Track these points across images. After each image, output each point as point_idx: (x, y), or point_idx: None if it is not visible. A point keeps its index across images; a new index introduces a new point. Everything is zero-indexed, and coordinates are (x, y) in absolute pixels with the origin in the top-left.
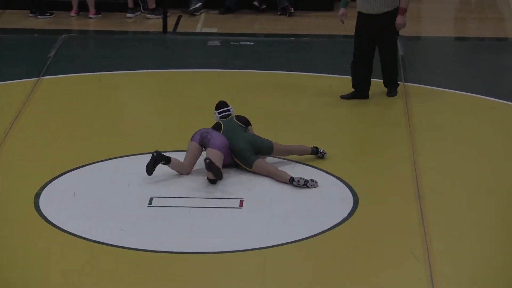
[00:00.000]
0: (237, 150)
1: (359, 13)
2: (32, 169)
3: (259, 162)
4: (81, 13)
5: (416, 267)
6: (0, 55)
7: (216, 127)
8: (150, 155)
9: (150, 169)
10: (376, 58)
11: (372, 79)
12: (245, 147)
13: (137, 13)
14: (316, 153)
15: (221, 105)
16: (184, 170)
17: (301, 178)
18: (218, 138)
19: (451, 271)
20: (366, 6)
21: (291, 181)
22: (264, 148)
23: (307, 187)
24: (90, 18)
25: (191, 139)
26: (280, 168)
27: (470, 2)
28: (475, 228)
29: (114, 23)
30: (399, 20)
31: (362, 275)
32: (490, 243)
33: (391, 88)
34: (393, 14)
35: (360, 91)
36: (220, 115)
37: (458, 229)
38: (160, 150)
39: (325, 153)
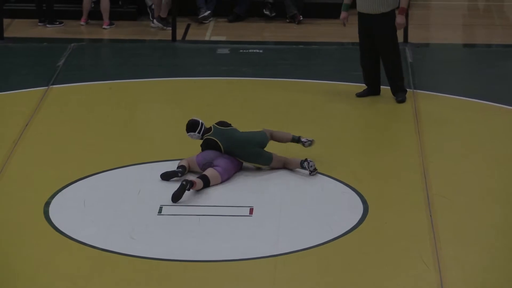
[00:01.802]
0: (252, 155)
1: (359, 13)
2: (42, 178)
3: (274, 157)
4: (89, 21)
5: (426, 273)
6: (9, 64)
7: (212, 145)
8: (162, 166)
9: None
10: None
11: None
12: (257, 150)
13: (166, 27)
14: (303, 166)
15: (194, 124)
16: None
17: (311, 161)
18: (222, 162)
19: (461, 277)
20: (363, 6)
21: (302, 164)
22: (261, 138)
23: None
24: (104, 29)
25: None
26: (288, 176)
27: (478, 8)
28: (484, 234)
29: (123, 32)
30: (399, 19)
31: (372, 282)
32: (499, 249)
33: (399, 94)
34: (390, 14)
35: (372, 88)
36: (202, 133)
37: (467, 235)
38: (178, 169)
39: (308, 142)
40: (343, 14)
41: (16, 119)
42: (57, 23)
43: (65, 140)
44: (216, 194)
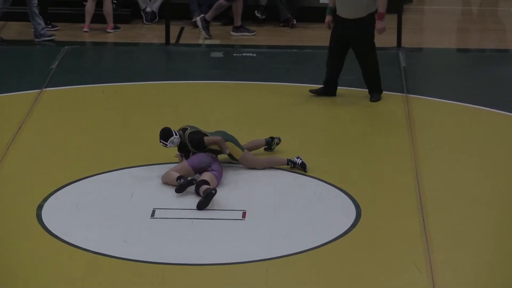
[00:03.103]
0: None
1: (337, 16)
2: (35, 181)
3: (246, 153)
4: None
5: (418, 278)
6: (2, 67)
7: (199, 140)
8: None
9: (182, 189)
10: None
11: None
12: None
13: (244, 33)
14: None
15: (168, 132)
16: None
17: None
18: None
19: (453, 280)
20: (343, 10)
21: (289, 162)
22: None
23: (303, 164)
24: (108, 32)
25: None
26: (282, 179)
27: (472, 13)
28: (476, 238)
29: (116, 35)
30: (378, 25)
31: (365, 286)
32: (491, 253)
33: (375, 94)
34: (367, 19)
35: (328, 87)
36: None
37: (460, 239)
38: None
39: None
40: (327, 18)
41: (9, 122)
42: (50, 27)
43: (58, 143)
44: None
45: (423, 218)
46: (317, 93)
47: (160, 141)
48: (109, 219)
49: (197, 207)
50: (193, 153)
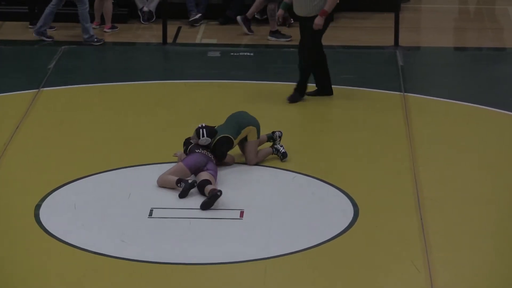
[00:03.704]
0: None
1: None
2: (32, 181)
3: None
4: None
5: (416, 277)
6: None
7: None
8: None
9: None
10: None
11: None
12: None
13: (280, 39)
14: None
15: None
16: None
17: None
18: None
19: (451, 280)
20: (296, 9)
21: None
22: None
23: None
24: (106, 32)
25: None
26: (279, 179)
27: (469, 12)
28: (475, 238)
29: (113, 34)
30: (317, 20)
31: (363, 285)
32: (490, 252)
33: (293, 94)
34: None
35: (321, 88)
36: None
37: (458, 239)
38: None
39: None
40: (279, 12)
41: (6, 122)
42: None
43: (55, 142)
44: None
45: (421, 217)
46: (311, 94)
47: (202, 131)
48: (107, 219)
49: (201, 207)
50: (190, 152)
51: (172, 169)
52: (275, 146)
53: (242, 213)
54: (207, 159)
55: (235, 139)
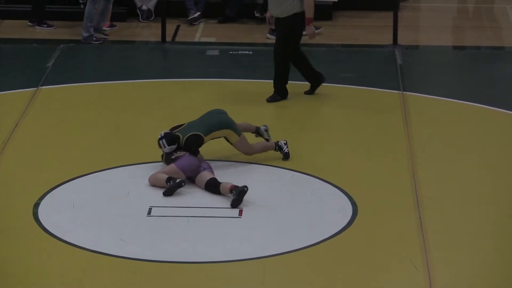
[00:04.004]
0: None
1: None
2: (31, 179)
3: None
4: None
5: (415, 276)
6: None
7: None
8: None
9: (171, 192)
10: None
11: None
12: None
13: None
14: (281, 149)
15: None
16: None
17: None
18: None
19: (450, 280)
20: (271, 8)
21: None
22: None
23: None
24: (104, 30)
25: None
26: (278, 177)
27: (468, 11)
28: (474, 237)
29: (112, 33)
30: (307, 30)
31: (361, 284)
32: (489, 252)
33: (273, 95)
34: (289, 19)
35: (312, 83)
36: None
37: (457, 238)
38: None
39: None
40: (267, 13)
41: (5, 120)
42: (45, 25)
43: (54, 141)
44: (205, 196)
45: (420, 216)
46: (310, 92)
47: (161, 141)
48: (106, 218)
49: (231, 205)
50: (167, 160)
51: (165, 169)
52: (279, 143)
53: (241, 212)
54: (198, 160)
55: (205, 136)
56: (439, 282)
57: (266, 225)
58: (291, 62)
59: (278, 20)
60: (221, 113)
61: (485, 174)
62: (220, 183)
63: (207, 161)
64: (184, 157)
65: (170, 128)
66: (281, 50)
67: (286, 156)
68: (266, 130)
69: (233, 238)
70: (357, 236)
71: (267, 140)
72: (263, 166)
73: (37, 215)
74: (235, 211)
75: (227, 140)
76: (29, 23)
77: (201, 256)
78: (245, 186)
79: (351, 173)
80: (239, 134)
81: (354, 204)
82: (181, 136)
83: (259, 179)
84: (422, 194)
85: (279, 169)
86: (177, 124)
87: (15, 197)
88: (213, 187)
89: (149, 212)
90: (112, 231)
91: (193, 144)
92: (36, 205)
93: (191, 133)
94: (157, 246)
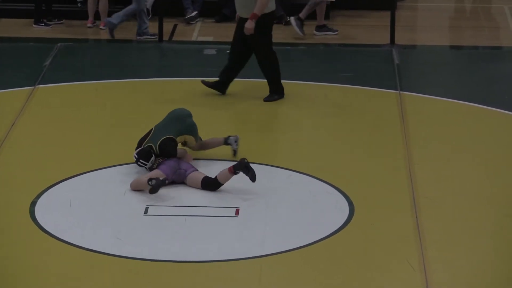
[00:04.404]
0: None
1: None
2: (28, 178)
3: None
4: (96, 23)
5: (411, 275)
6: None
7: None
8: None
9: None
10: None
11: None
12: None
13: (328, 32)
14: (227, 143)
15: (149, 153)
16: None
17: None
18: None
19: (447, 279)
20: (238, 9)
21: (226, 141)
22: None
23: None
24: (101, 29)
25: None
26: (275, 177)
27: (465, 10)
28: (470, 236)
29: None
30: (247, 24)
31: (358, 283)
32: (485, 251)
33: (270, 95)
34: (260, 19)
35: (220, 84)
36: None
37: (453, 237)
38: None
39: (236, 144)
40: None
41: (2, 119)
42: (43, 24)
43: (51, 140)
44: (202, 195)
45: (416, 215)
46: (209, 85)
47: (139, 162)
48: (102, 217)
49: (252, 180)
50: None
51: (149, 174)
52: (227, 139)
53: (237, 211)
54: (176, 161)
55: (176, 137)
56: (435, 282)
57: (263, 224)
58: (232, 58)
59: (243, 21)
60: (188, 116)
61: (482, 174)
62: (215, 177)
63: (203, 160)
64: (163, 162)
65: (138, 141)
66: (257, 50)
67: (234, 154)
68: (236, 141)
69: (230, 237)
70: (354, 235)
71: (234, 151)
72: (260, 165)
73: (34, 214)
74: (232, 211)
75: (184, 143)
76: (34, 26)
77: (198, 255)
78: (243, 159)
79: (348, 172)
80: (198, 140)
81: (351, 204)
82: (153, 145)
83: (256, 179)
84: (419, 193)
85: (276, 168)
86: (144, 134)
87: (11, 195)
88: (212, 184)
89: (145, 211)
90: (108, 230)
91: (167, 147)
92: (33, 204)
93: (162, 138)
94: (153, 245)
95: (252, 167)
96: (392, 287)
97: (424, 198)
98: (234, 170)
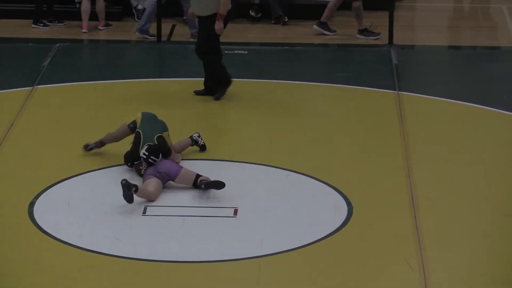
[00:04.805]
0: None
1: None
2: (26, 178)
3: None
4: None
5: (410, 275)
6: None
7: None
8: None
9: (129, 197)
10: None
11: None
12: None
13: (370, 37)
14: (196, 143)
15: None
16: (152, 197)
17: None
18: (172, 167)
19: (445, 278)
20: (193, 7)
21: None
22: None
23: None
24: (100, 29)
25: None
26: (273, 177)
27: (464, 10)
28: (469, 236)
29: (108, 32)
30: (216, 25)
31: (356, 283)
32: (484, 251)
33: (217, 92)
34: (211, 18)
35: (208, 90)
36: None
37: (452, 237)
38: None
39: (202, 141)
40: (190, 10)
41: (1, 119)
42: (41, 25)
43: (49, 140)
44: (200, 195)
45: (415, 215)
46: (200, 93)
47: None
48: (101, 217)
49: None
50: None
51: (152, 185)
52: (193, 137)
53: (236, 211)
54: (155, 165)
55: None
56: (434, 282)
57: (261, 224)
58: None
59: (200, 19)
60: (156, 116)
61: (481, 174)
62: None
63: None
64: (147, 174)
65: (130, 148)
66: (205, 50)
67: (202, 148)
68: (199, 136)
69: (228, 237)
70: (352, 235)
71: (203, 145)
72: (258, 166)
73: (33, 214)
74: (230, 211)
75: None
76: (33, 26)
77: (196, 255)
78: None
79: (346, 172)
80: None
81: (349, 204)
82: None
83: (254, 179)
84: (417, 193)
85: (274, 168)
86: (132, 143)
87: (10, 196)
88: (208, 185)
89: (144, 211)
90: (107, 230)
91: (165, 144)
92: (32, 204)
93: (156, 136)
94: (152, 245)
95: (250, 167)
96: (390, 287)
97: (422, 198)
98: (199, 185)
